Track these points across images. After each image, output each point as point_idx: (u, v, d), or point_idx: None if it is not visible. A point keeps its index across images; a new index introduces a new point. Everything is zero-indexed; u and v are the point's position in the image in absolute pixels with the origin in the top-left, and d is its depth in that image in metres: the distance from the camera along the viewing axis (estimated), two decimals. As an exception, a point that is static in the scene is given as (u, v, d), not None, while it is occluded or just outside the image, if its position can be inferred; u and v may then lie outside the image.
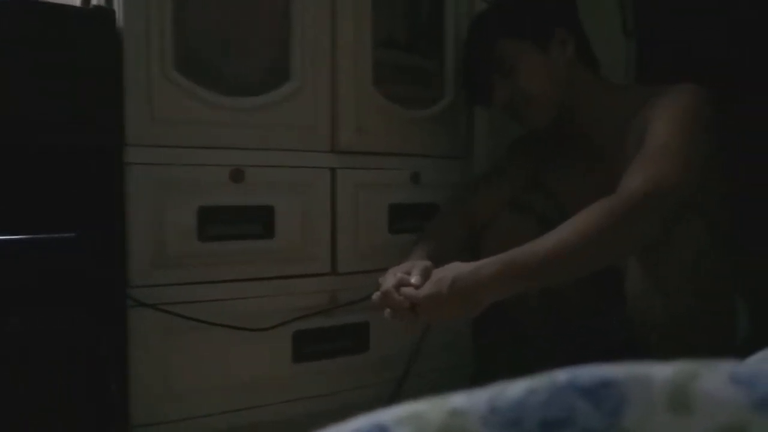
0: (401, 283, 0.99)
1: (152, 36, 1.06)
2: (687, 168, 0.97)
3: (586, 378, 0.29)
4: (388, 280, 1.01)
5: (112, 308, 1.04)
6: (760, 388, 0.27)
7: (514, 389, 0.29)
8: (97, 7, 1.07)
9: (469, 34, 1.28)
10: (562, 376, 0.29)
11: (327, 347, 1.26)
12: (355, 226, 1.28)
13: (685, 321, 1.01)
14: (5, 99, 0.95)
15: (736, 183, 1.14)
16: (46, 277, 0.97)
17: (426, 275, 0.98)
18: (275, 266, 1.20)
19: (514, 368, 1.30)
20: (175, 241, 1.09)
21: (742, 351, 0.54)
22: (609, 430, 0.28)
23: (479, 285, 0.91)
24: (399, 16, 1.40)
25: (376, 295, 1.01)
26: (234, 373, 1.16)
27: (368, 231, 1.30)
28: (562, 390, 0.29)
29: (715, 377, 0.28)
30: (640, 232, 0.96)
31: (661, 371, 0.29)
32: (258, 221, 1.18)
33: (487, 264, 0.92)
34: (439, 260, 1.04)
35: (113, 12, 1.04)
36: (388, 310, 0.99)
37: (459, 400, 0.30)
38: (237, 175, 1.14)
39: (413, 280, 0.98)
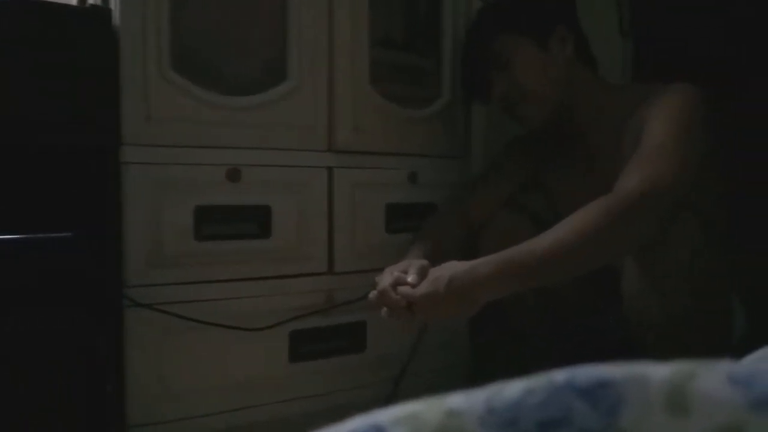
0: (398, 282, 0.98)
1: (149, 35, 1.06)
2: (683, 168, 0.97)
3: (583, 378, 0.29)
4: (385, 279, 1.00)
5: (109, 308, 1.03)
6: (758, 388, 0.27)
7: (511, 389, 0.29)
8: (94, 6, 1.07)
9: (470, 29, 1.28)
10: (559, 376, 0.29)
11: (323, 347, 1.26)
12: (352, 226, 1.28)
13: (681, 320, 1.01)
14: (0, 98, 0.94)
15: (732, 181, 1.14)
16: (42, 277, 0.97)
17: (423, 274, 0.98)
18: (272, 266, 1.19)
19: (511, 367, 1.30)
20: (171, 240, 1.09)
21: (739, 350, 0.54)
22: (606, 431, 0.28)
23: (476, 284, 0.91)
24: (396, 15, 1.40)
25: (372, 294, 1.01)
26: (230, 373, 1.15)
27: (365, 230, 1.30)
28: (560, 390, 0.29)
29: (712, 377, 0.27)
30: (637, 232, 0.96)
31: (659, 371, 0.28)
32: (254, 221, 1.18)
33: (484, 263, 0.92)
34: (435, 259, 1.04)
35: (109, 11, 1.04)
36: (384, 309, 0.99)
37: (456, 400, 0.30)
38: (233, 175, 1.14)
39: (410, 279, 0.98)
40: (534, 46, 1.17)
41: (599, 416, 0.28)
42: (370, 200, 1.31)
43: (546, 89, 1.17)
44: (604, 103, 1.18)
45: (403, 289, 0.97)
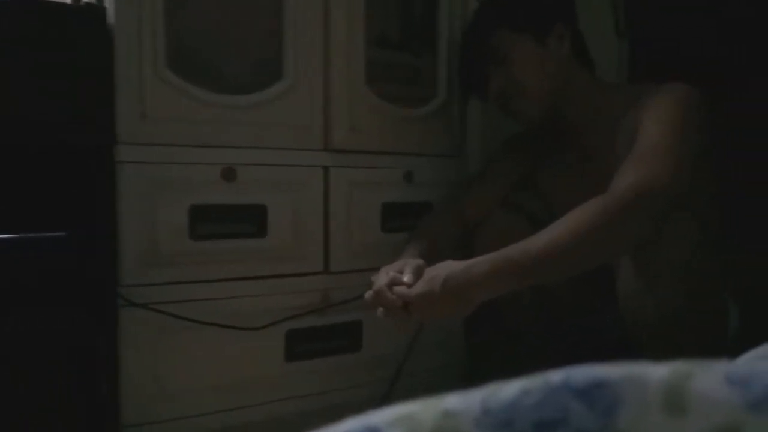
0: (394, 282, 0.98)
1: (144, 33, 1.05)
2: (678, 168, 0.97)
3: (579, 378, 0.29)
4: (381, 278, 1.00)
5: (103, 308, 1.03)
6: (755, 389, 0.26)
7: (507, 390, 0.29)
8: (88, 4, 1.06)
9: (468, 24, 1.28)
10: (555, 376, 0.29)
11: (319, 346, 1.26)
12: (347, 225, 1.28)
13: (675, 320, 1.01)
14: (-6, 97, 0.94)
15: (726, 181, 1.14)
16: (36, 276, 0.96)
17: (418, 274, 0.98)
18: (267, 265, 1.19)
19: (507, 367, 1.30)
20: (166, 240, 1.09)
21: (733, 350, 0.54)
22: (603, 431, 0.28)
23: (471, 283, 0.91)
24: (392, 14, 1.40)
25: (368, 294, 1.01)
26: (226, 373, 1.15)
27: (361, 230, 1.30)
28: (556, 391, 0.29)
29: (709, 377, 0.27)
30: (632, 232, 0.96)
31: (656, 371, 0.28)
32: (250, 220, 1.17)
33: (479, 262, 0.92)
34: (431, 258, 1.04)
35: (104, 9, 1.03)
36: (380, 309, 0.99)
37: (452, 401, 0.30)
38: (229, 174, 1.14)
39: (405, 278, 0.98)
40: (532, 42, 1.17)
41: (596, 417, 0.28)
42: (366, 199, 1.31)
43: (542, 85, 1.17)
44: (600, 102, 1.18)
45: (398, 288, 0.97)
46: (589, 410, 0.28)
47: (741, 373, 0.27)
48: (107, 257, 1.03)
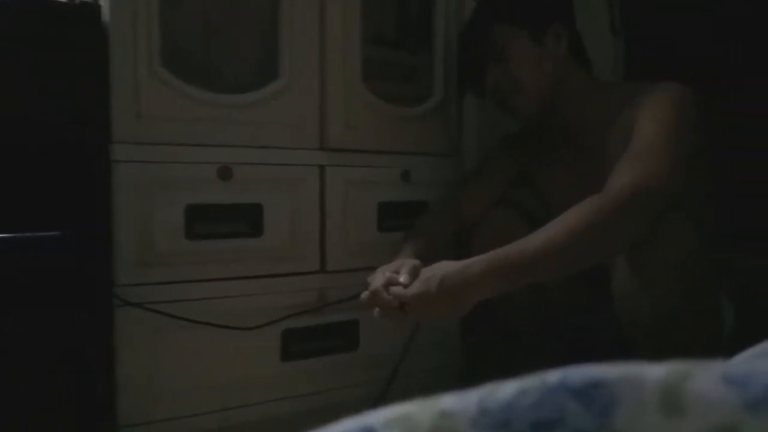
0: (390, 282, 0.98)
1: (139, 32, 1.05)
2: (673, 167, 0.97)
3: (576, 378, 0.29)
4: (377, 279, 1.00)
5: (99, 307, 1.03)
6: (753, 388, 0.26)
7: (504, 390, 0.29)
8: (83, 2, 1.06)
9: (468, 20, 1.28)
10: (552, 376, 0.29)
11: (316, 346, 1.26)
12: (344, 224, 1.28)
13: (670, 320, 1.01)
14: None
15: (722, 180, 1.14)
16: (31, 276, 0.96)
17: (414, 274, 0.98)
18: (264, 264, 1.19)
19: (503, 366, 1.30)
20: (162, 239, 1.09)
21: (728, 349, 0.54)
22: (600, 431, 0.28)
23: (467, 283, 0.91)
24: (388, 13, 1.40)
25: (364, 295, 1.01)
26: (222, 372, 1.15)
27: (357, 229, 1.30)
28: (553, 391, 0.28)
29: (707, 377, 0.27)
30: (628, 231, 0.96)
31: (653, 371, 0.28)
32: (246, 219, 1.17)
33: (475, 262, 0.92)
34: (428, 257, 1.04)
35: (99, 7, 1.03)
36: (377, 310, 0.99)
37: (448, 401, 0.29)
38: (225, 173, 1.14)
39: (402, 279, 0.98)
40: (529, 39, 1.17)
41: (593, 417, 0.28)
42: (363, 199, 1.30)
43: (538, 82, 1.17)
44: (596, 101, 1.18)
45: (395, 289, 0.97)
46: (586, 410, 0.28)
47: (739, 372, 0.27)
48: (103, 257, 1.03)
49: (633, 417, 0.27)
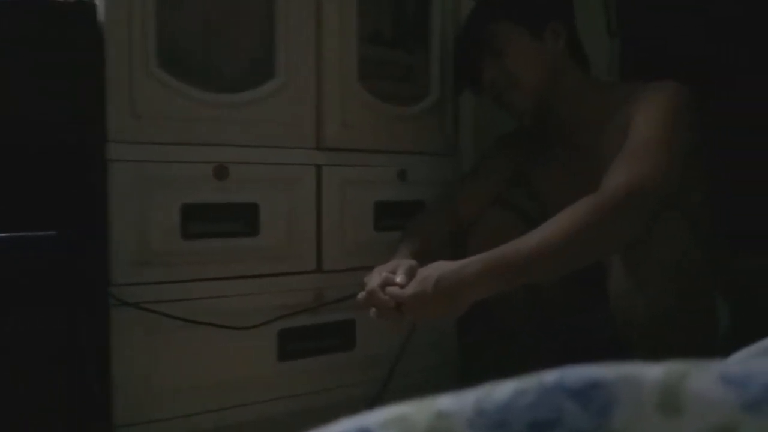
0: (386, 283, 0.98)
1: (134, 31, 1.05)
2: (669, 166, 0.97)
3: (574, 379, 0.28)
4: (374, 279, 1.00)
5: (95, 307, 1.02)
6: (751, 389, 0.26)
7: (501, 391, 0.29)
8: (79, 2, 1.05)
9: (467, 16, 1.28)
10: (549, 377, 0.29)
11: (312, 345, 1.26)
12: (340, 224, 1.28)
13: (665, 320, 1.01)
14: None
15: (715, 180, 1.14)
16: (27, 276, 0.96)
17: (411, 274, 0.98)
18: (260, 264, 1.19)
19: (499, 366, 1.30)
20: (158, 238, 1.08)
21: (723, 349, 0.54)
22: (597, 431, 0.28)
23: (464, 283, 0.91)
24: (385, 12, 1.40)
25: (361, 295, 1.01)
26: (218, 372, 1.15)
27: (354, 228, 1.30)
28: (550, 391, 0.28)
29: (705, 377, 0.27)
30: (623, 230, 0.96)
31: (651, 372, 0.28)
32: (242, 219, 1.17)
33: (472, 263, 0.92)
34: (424, 257, 1.04)
35: (94, 6, 1.02)
36: (373, 310, 0.99)
37: (445, 402, 0.29)
38: (221, 172, 1.13)
39: (398, 279, 0.98)
40: (527, 36, 1.18)
41: (590, 417, 0.28)
42: (359, 198, 1.30)
43: (534, 78, 1.18)
44: (593, 100, 1.18)
45: (391, 289, 0.97)
46: (583, 411, 0.28)
47: (737, 373, 0.27)
48: (99, 256, 1.03)
49: (631, 417, 0.27)
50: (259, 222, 1.18)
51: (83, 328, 1.00)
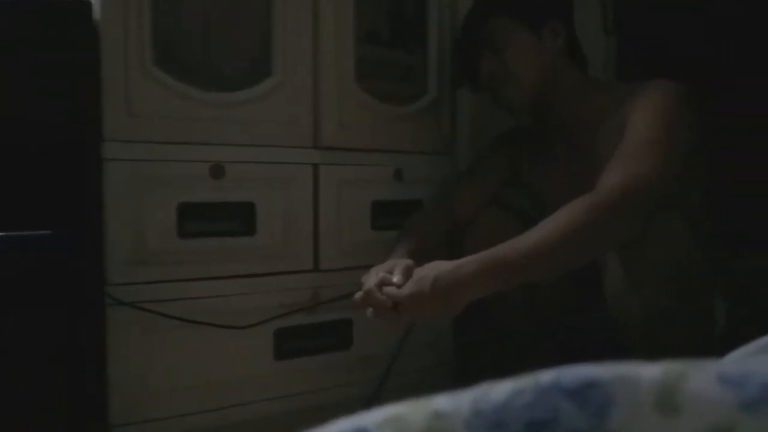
0: (383, 283, 0.98)
1: (130, 30, 1.04)
2: (665, 166, 0.98)
3: (571, 379, 0.28)
4: (370, 279, 1.00)
5: (90, 307, 1.02)
6: (749, 388, 0.26)
7: (497, 391, 0.29)
8: (74, 0, 1.05)
9: (468, 11, 1.29)
10: (546, 377, 0.29)
11: (309, 345, 1.25)
12: (337, 223, 1.28)
13: (662, 320, 1.01)
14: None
15: (714, 180, 1.14)
16: (22, 275, 0.95)
17: (408, 274, 0.98)
18: (257, 263, 1.18)
19: (496, 366, 1.30)
20: (154, 238, 1.08)
21: (720, 349, 0.54)
22: (595, 431, 0.27)
23: (460, 283, 0.91)
24: (382, 11, 1.40)
25: (358, 295, 1.01)
26: (215, 372, 1.14)
27: (351, 228, 1.29)
28: (547, 391, 0.28)
29: (703, 377, 0.27)
30: (619, 230, 0.96)
31: (648, 371, 0.28)
32: (239, 218, 1.17)
33: (468, 262, 0.92)
34: (421, 257, 1.04)
35: (90, 4, 1.02)
36: (370, 310, 0.99)
37: (442, 402, 0.29)
38: (217, 171, 1.13)
39: (395, 279, 0.98)
40: (526, 33, 1.18)
41: (587, 417, 0.28)
42: (356, 197, 1.30)
43: (532, 75, 1.18)
44: (590, 99, 1.18)
45: (388, 289, 0.97)
46: (580, 411, 0.28)
47: (734, 372, 0.27)
48: (94, 256, 1.03)
49: (628, 417, 0.27)
50: (256, 221, 1.18)
51: (79, 328, 1.00)
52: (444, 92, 1.42)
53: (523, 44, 1.18)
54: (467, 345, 1.46)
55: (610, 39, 1.71)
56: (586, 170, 1.10)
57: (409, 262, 1.02)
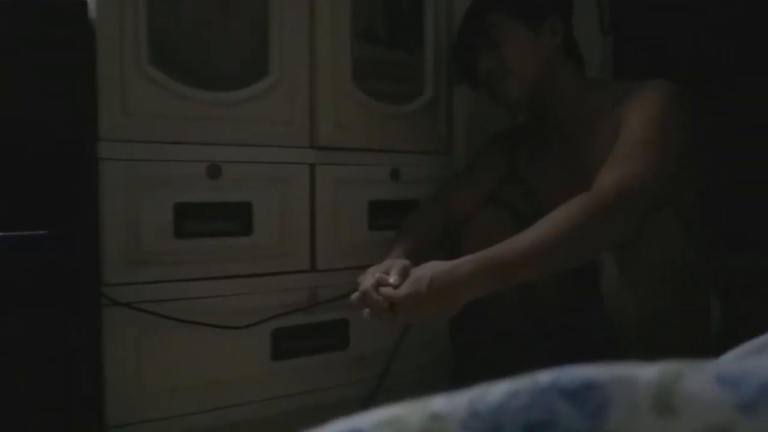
0: (380, 283, 0.98)
1: (126, 29, 1.04)
2: (659, 166, 0.98)
3: (568, 380, 0.28)
4: (367, 279, 1.00)
5: (87, 307, 1.02)
6: (746, 389, 0.26)
7: (495, 392, 0.29)
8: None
9: (467, 7, 1.29)
10: (543, 378, 0.29)
11: (306, 345, 1.25)
12: (334, 223, 1.27)
13: (657, 320, 1.01)
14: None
15: (713, 180, 1.15)
16: (18, 275, 0.95)
17: (404, 274, 0.98)
18: (253, 263, 1.18)
19: (493, 366, 1.29)
20: (150, 238, 1.08)
21: (716, 349, 0.54)
22: (592, 433, 0.27)
23: (457, 283, 0.91)
24: (378, 11, 1.39)
25: (355, 295, 1.01)
26: (212, 372, 1.14)
27: (348, 227, 1.29)
28: (544, 392, 0.28)
29: (700, 378, 0.27)
30: (615, 230, 0.96)
31: (646, 372, 0.28)
32: (236, 218, 1.16)
33: (464, 262, 0.92)
34: (418, 257, 1.04)
35: (85, 3, 1.02)
36: (367, 310, 0.99)
37: (438, 403, 0.29)
38: (214, 171, 1.13)
39: (391, 279, 0.98)
40: (525, 29, 1.18)
41: (585, 418, 0.28)
42: (353, 197, 1.30)
43: (530, 72, 1.18)
44: (587, 99, 1.18)
45: (384, 289, 0.97)
46: (577, 412, 0.28)
47: (732, 373, 0.27)
48: (90, 256, 1.02)
49: (626, 418, 0.27)
50: (253, 221, 1.17)
51: (75, 328, 1.00)
52: (441, 92, 1.42)
53: (521, 41, 1.18)
54: (464, 345, 1.46)
55: (606, 39, 1.71)
56: (582, 168, 1.10)
57: (406, 262, 1.01)
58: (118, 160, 1.05)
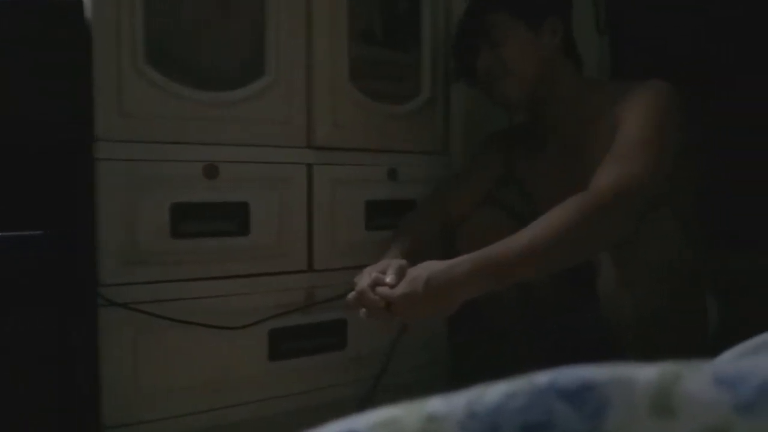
0: (376, 283, 0.98)
1: (122, 28, 1.04)
2: (656, 166, 0.98)
3: (566, 380, 0.28)
4: (364, 279, 1.00)
5: (83, 307, 1.02)
6: (744, 390, 0.26)
7: (492, 393, 0.28)
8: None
9: (468, 5, 1.29)
10: (541, 378, 0.29)
11: (304, 345, 1.25)
12: (331, 223, 1.27)
13: (653, 320, 1.01)
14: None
15: (712, 180, 1.15)
16: (14, 276, 0.95)
17: (401, 274, 0.98)
18: (251, 263, 1.18)
19: (490, 365, 1.29)
20: (147, 238, 1.07)
21: (713, 348, 0.54)
22: (590, 433, 0.27)
23: (453, 283, 0.91)
24: (376, 11, 1.39)
25: (351, 295, 1.01)
26: (209, 372, 1.14)
27: (345, 227, 1.29)
28: (542, 393, 0.28)
29: (698, 379, 0.27)
30: (612, 230, 0.96)
31: (644, 373, 0.28)
32: (233, 218, 1.16)
33: (461, 262, 0.92)
34: (415, 257, 1.03)
35: (81, 3, 1.01)
36: (363, 310, 0.99)
37: (436, 404, 0.29)
38: (211, 171, 1.13)
39: (388, 279, 0.98)
40: (524, 29, 1.18)
41: (583, 419, 0.27)
42: (350, 197, 1.30)
43: (529, 71, 1.18)
44: (584, 99, 1.19)
45: (381, 289, 0.97)
46: (576, 413, 0.28)
47: (730, 374, 0.27)
48: (87, 256, 1.02)
49: (624, 419, 0.27)
50: (250, 221, 1.17)
51: (71, 329, 1.00)
52: (438, 92, 1.42)
53: (520, 40, 1.18)
54: (461, 345, 1.46)
55: (602, 39, 1.71)
56: (578, 168, 1.10)
57: (403, 262, 1.01)
58: (116, 160, 1.04)
